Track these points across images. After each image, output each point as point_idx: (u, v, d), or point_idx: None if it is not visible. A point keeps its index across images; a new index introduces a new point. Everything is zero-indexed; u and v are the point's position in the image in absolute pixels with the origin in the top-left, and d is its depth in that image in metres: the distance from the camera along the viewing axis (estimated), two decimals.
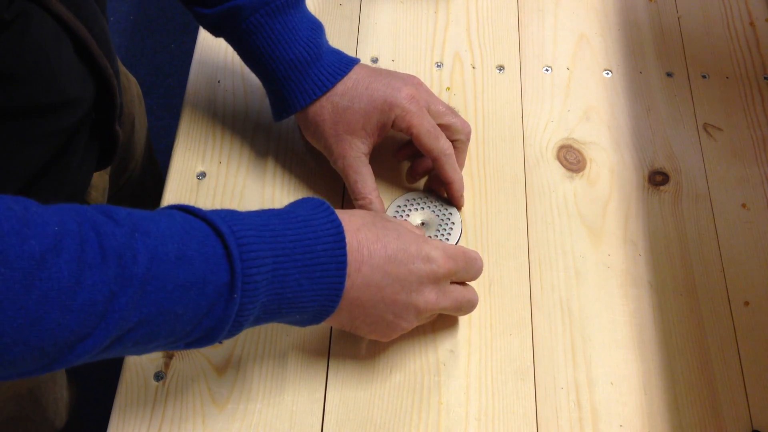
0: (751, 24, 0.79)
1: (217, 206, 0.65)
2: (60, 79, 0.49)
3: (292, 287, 0.47)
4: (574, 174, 0.69)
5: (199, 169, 0.68)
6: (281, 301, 0.47)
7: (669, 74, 0.76)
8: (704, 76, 0.76)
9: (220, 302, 0.43)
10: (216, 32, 0.64)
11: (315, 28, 0.62)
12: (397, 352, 0.59)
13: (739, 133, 0.72)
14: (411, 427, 0.56)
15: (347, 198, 0.66)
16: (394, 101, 0.60)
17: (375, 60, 0.75)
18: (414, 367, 0.59)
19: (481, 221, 0.66)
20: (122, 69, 0.81)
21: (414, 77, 0.64)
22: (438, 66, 0.75)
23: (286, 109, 0.63)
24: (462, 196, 0.64)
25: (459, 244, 0.64)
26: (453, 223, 0.64)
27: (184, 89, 0.72)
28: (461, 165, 0.64)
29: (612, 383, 0.59)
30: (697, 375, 0.60)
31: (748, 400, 0.59)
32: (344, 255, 0.48)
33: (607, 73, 0.75)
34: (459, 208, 0.65)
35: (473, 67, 0.75)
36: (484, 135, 0.70)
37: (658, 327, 0.62)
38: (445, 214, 0.64)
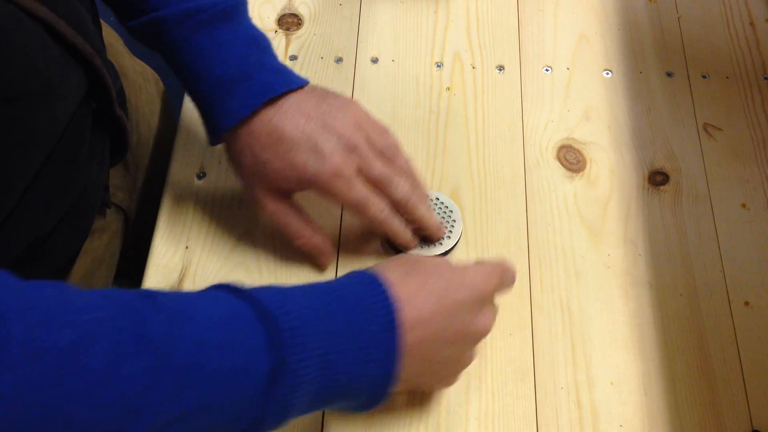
0: (751, 24, 0.79)
1: (216, 206, 0.66)
2: (35, 65, 0.46)
3: (344, 371, 0.44)
4: (574, 174, 0.69)
5: (199, 169, 0.68)
6: (332, 387, 0.44)
7: (669, 74, 0.76)
8: (704, 76, 0.76)
9: (264, 391, 0.41)
10: (147, 46, 0.59)
11: (252, 43, 0.57)
12: None
13: (739, 133, 0.72)
14: (411, 427, 0.56)
15: None
16: (316, 174, 0.55)
17: (375, 60, 0.75)
18: None
19: (481, 221, 0.66)
20: (140, 67, 0.80)
21: (353, 125, 0.57)
22: (438, 66, 0.75)
23: (213, 131, 0.58)
24: (436, 229, 0.61)
25: (459, 242, 0.64)
26: (454, 221, 0.64)
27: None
28: (422, 216, 0.59)
29: (612, 383, 0.59)
30: (697, 375, 0.60)
31: (748, 400, 0.59)
32: (394, 341, 0.45)
33: (607, 73, 0.75)
34: (439, 238, 0.62)
35: (473, 67, 0.75)
36: (484, 135, 0.70)
37: (658, 327, 0.62)
38: (446, 212, 0.64)
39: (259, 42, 0.58)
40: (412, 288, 0.47)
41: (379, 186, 0.57)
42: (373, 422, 0.56)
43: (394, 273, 0.48)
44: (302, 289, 0.45)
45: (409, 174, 0.59)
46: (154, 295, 0.40)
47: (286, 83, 0.57)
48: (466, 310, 0.49)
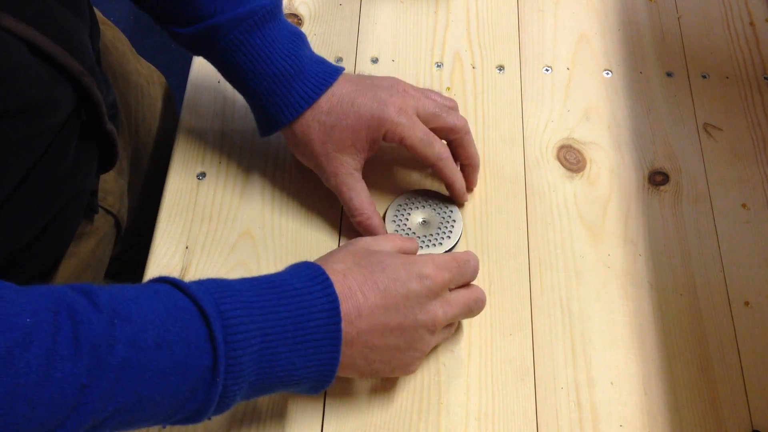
0: (751, 24, 0.79)
1: (216, 206, 0.66)
2: (15, 85, 0.47)
3: (283, 366, 0.46)
4: (574, 174, 0.69)
5: (199, 169, 0.68)
6: (272, 380, 0.46)
7: (669, 74, 0.76)
8: (704, 76, 0.76)
9: (203, 386, 0.43)
10: (193, 51, 0.63)
11: (295, 39, 0.61)
12: None
13: (739, 133, 0.72)
14: (411, 427, 0.56)
15: None
16: (382, 116, 0.59)
17: (375, 60, 0.75)
18: None
19: (481, 221, 0.66)
20: (146, 70, 0.80)
21: (398, 82, 0.62)
22: (438, 66, 0.75)
23: (273, 125, 0.62)
24: (464, 194, 0.64)
25: (459, 242, 0.64)
26: (454, 221, 0.64)
27: (184, 89, 0.72)
28: (472, 154, 0.64)
29: (612, 383, 0.59)
30: (697, 375, 0.60)
31: (748, 400, 0.59)
32: (339, 330, 0.47)
33: (607, 73, 0.75)
34: (460, 206, 0.65)
35: (473, 67, 0.75)
36: (484, 135, 0.70)
37: (658, 327, 0.62)
38: (446, 212, 0.64)
39: (300, 36, 0.62)
40: (358, 280, 0.49)
41: (435, 121, 0.62)
42: (373, 422, 0.56)
43: (340, 264, 0.50)
44: (244, 283, 0.47)
45: (459, 120, 0.63)
46: (94, 292, 0.41)
47: (333, 72, 0.61)
48: (412, 303, 0.51)
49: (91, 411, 0.38)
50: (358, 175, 0.62)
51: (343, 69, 0.62)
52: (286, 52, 0.60)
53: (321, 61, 0.62)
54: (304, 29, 0.76)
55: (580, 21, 0.79)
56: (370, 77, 0.63)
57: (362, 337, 0.49)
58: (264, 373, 0.45)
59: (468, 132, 0.64)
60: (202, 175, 0.67)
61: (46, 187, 0.55)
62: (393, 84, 0.62)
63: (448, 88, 0.73)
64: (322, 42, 0.76)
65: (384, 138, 0.60)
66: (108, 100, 0.59)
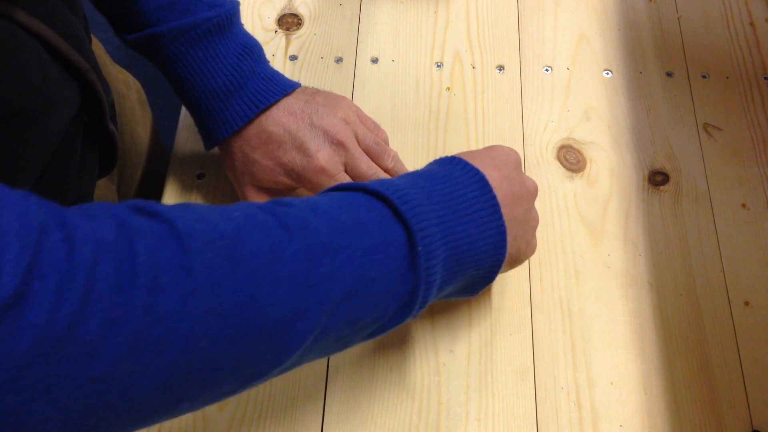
0: (751, 24, 0.79)
1: None
2: (32, 82, 0.48)
3: (463, 238, 0.46)
4: (574, 174, 0.69)
5: (199, 169, 0.68)
6: (458, 256, 0.46)
7: (669, 74, 0.76)
8: (704, 76, 0.76)
9: (407, 260, 0.43)
10: (144, 57, 0.62)
11: (243, 54, 0.59)
12: (397, 352, 0.59)
13: (739, 133, 0.72)
14: (411, 427, 0.56)
15: None
16: (302, 172, 0.57)
17: (375, 60, 0.75)
18: (414, 367, 0.59)
19: None
20: (122, 75, 0.81)
21: (341, 127, 0.58)
22: (438, 66, 0.75)
23: (210, 139, 0.60)
24: None
25: None
26: None
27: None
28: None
29: (612, 383, 0.59)
30: (697, 375, 0.60)
31: (748, 400, 0.59)
32: (494, 198, 0.48)
33: (607, 73, 0.75)
34: None
35: (473, 67, 0.75)
36: (484, 135, 0.70)
37: (658, 327, 0.62)
38: None
39: (251, 51, 0.60)
40: (476, 159, 0.50)
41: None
42: (373, 422, 0.56)
43: (454, 152, 0.52)
44: (398, 178, 0.48)
45: (398, 171, 0.61)
46: (278, 200, 0.42)
47: (278, 90, 0.59)
48: (515, 172, 0.53)
49: (326, 292, 0.39)
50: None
51: (297, 85, 0.60)
52: (229, 68, 0.58)
53: (270, 78, 0.60)
54: (304, 29, 0.76)
55: (580, 21, 0.79)
56: (316, 102, 0.59)
57: (504, 208, 0.49)
58: (450, 249, 0.45)
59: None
60: (201, 176, 0.67)
61: (57, 189, 0.55)
62: (331, 127, 0.58)
63: (448, 88, 0.73)
64: (322, 42, 0.76)
65: (303, 187, 0.59)
66: (109, 100, 0.59)
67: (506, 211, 0.49)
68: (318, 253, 0.39)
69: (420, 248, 0.43)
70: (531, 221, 0.54)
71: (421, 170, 0.50)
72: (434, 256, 0.44)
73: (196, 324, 0.34)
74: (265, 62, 0.61)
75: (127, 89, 0.80)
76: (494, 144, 0.55)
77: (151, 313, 0.32)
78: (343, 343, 0.44)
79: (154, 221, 0.35)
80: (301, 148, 0.57)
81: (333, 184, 0.57)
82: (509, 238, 0.49)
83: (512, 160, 0.53)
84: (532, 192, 0.54)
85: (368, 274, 0.41)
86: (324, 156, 0.57)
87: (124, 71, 0.83)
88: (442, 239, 0.45)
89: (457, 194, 0.47)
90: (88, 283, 0.31)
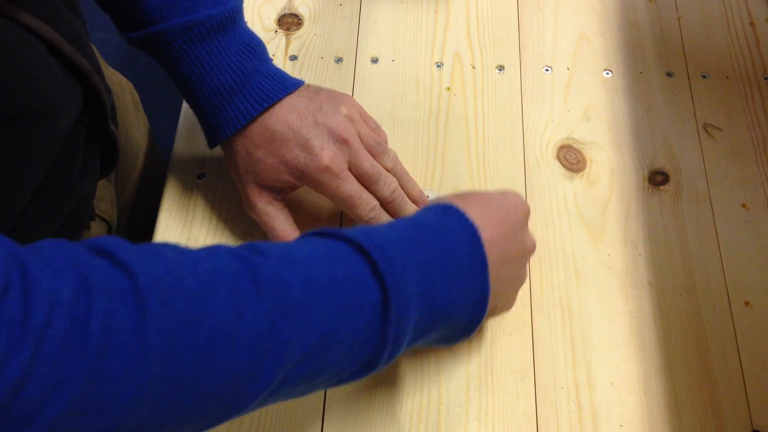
0: (751, 24, 0.79)
1: (217, 206, 0.66)
2: (38, 84, 0.48)
3: (442, 296, 0.45)
4: (574, 174, 0.69)
5: (199, 169, 0.68)
6: (433, 314, 0.45)
7: (669, 74, 0.76)
8: (704, 76, 0.76)
9: (377, 322, 0.42)
10: (148, 55, 0.61)
11: (246, 52, 0.58)
12: None
13: (739, 133, 0.72)
14: (411, 427, 0.56)
15: None
16: (305, 170, 0.57)
17: (375, 60, 0.75)
18: (414, 367, 0.59)
19: None
20: (116, 77, 0.81)
21: (345, 125, 0.57)
22: (438, 66, 0.75)
23: (213, 138, 0.60)
24: None
25: None
26: None
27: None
28: (416, 199, 0.61)
29: (612, 383, 0.59)
30: (697, 375, 0.60)
31: (748, 400, 0.59)
32: (484, 256, 0.47)
33: (607, 73, 0.75)
34: None
35: (473, 67, 0.75)
36: (484, 135, 0.70)
37: (658, 327, 0.62)
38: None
39: (254, 49, 0.59)
40: (478, 213, 0.49)
41: (367, 182, 0.58)
42: (373, 422, 0.56)
43: (456, 200, 0.50)
44: (386, 227, 0.46)
45: (398, 172, 0.60)
46: (255, 246, 0.41)
47: (282, 88, 0.58)
48: (519, 230, 0.52)
49: (284, 354, 0.38)
50: (279, 204, 0.60)
51: (300, 83, 0.60)
52: (233, 65, 0.58)
53: (273, 76, 0.59)
54: (304, 29, 0.76)
55: (580, 21, 0.79)
56: (320, 100, 0.59)
57: (494, 267, 0.48)
58: (426, 307, 0.44)
59: (396, 197, 0.59)
60: (201, 176, 0.67)
61: (60, 190, 0.55)
62: (335, 124, 0.57)
63: (448, 88, 0.73)
64: (322, 42, 0.76)
65: (307, 185, 0.59)
66: (109, 101, 0.59)
67: (495, 270, 0.48)
68: (283, 314, 0.39)
69: (393, 309, 0.42)
70: (518, 280, 0.53)
71: (414, 216, 0.49)
72: (407, 317, 0.43)
73: (140, 389, 0.34)
74: (269, 60, 0.60)
75: (121, 90, 0.80)
76: (504, 190, 0.54)
77: (97, 378, 0.32)
78: (298, 393, 0.43)
79: (117, 273, 0.35)
80: (305, 146, 0.57)
81: (337, 182, 0.57)
82: (490, 297, 0.48)
83: (521, 215, 0.52)
84: (528, 252, 0.53)
85: (333, 336, 0.41)
86: (328, 154, 0.57)
87: (117, 73, 0.83)
88: (418, 299, 0.44)
89: (444, 252, 0.46)
90: (37, 345, 0.31)
